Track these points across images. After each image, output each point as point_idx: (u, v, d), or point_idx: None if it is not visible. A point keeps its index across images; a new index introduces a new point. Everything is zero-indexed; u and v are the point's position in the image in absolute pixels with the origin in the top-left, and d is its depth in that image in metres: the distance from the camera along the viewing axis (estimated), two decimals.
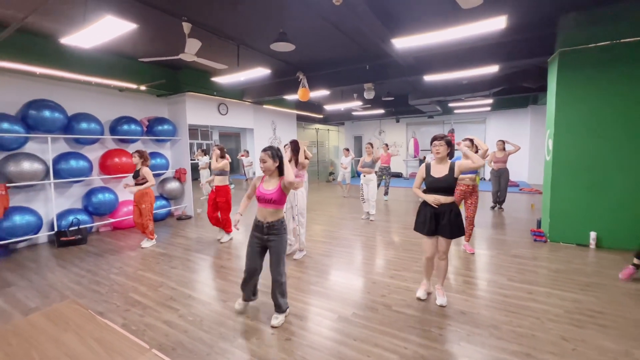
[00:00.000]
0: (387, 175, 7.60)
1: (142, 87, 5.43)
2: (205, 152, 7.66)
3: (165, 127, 5.97)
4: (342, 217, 6.04)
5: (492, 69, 4.82)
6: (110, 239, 4.83)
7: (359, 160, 7.71)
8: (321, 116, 11.19)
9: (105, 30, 2.76)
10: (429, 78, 5.19)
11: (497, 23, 2.95)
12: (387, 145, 8.00)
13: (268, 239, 2.30)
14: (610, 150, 3.82)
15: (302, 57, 5.23)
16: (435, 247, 2.59)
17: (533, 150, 10.15)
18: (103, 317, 2.35)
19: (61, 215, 4.69)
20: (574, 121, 3.99)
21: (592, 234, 3.96)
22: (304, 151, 3.51)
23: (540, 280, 3.07)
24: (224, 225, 4.59)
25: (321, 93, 6.32)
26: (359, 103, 8.25)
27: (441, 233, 2.53)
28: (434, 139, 2.52)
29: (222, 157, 4.53)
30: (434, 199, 2.48)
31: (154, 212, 5.58)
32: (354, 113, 10.57)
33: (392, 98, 7.88)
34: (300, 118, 10.50)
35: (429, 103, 7.97)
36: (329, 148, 13.60)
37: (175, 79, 5.99)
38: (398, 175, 12.87)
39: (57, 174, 4.62)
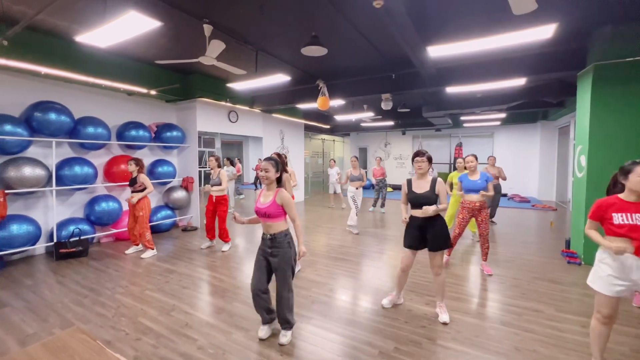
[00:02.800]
0: (383, 188, 7.75)
1: (153, 92, 5.22)
2: (231, 161, 7.46)
3: (174, 133, 5.77)
4: (334, 227, 5.80)
5: (518, 82, 4.67)
6: (112, 251, 4.53)
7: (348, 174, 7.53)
8: (328, 126, 11.02)
9: (127, 28, 2.54)
10: (451, 90, 5.02)
11: (544, 32, 2.77)
12: (380, 158, 8.12)
13: (272, 253, 2.22)
14: None
15: (322, 65, 5.06)
16: (411, 260, 2.67)
17: (543, 167, 10.01)
18: (111, 348, 2.04)
19: (61, 225, 4.38)
20: (610, 136, 3.80)
21: None
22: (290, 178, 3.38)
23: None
24: (222, 235, 4.55)
25: (338, 102, 6.16)
26: (370, 114, 8.10)
27: (429, 246, 2.56)
28: (417, 154, 2.57)
29: (219, 166, 4.48)
30: (421, 210, 2.49)
31: (156, 222, 5.36)
32: (363, 124, 10.42)
33: (408, 109, 7.72)
34: (307, 128, 10.33)
35: (443, 116, 7.83)
36: (335, 158, 13.42)
37: (186, 84, 5.80)
38: (400, 188, 12.64)
39: (59, 181, 4.33)
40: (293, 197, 3.94)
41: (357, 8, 3.02)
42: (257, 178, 9.48)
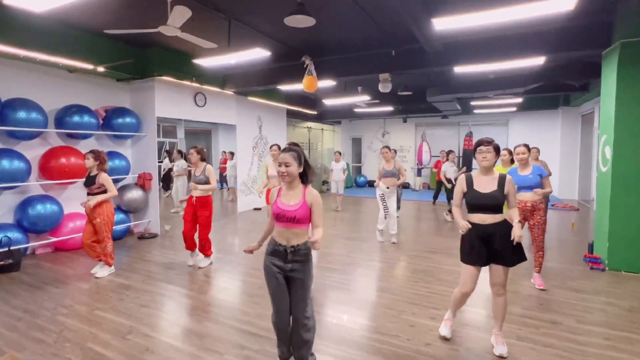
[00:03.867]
0: (399, 186, 7.57)
1: (101, 69, 5.10)
2: (182, 154, 7.35)
3: (127, 119, 5.68)
4: (346, 236, 5.91)
5: (537, 61, 4.82)
6: (51, 264, 4.43)
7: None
8: (316, 112, 11.06)
9: None
10: (460, 69, 5.14)
11: (565, 2, 2.89)
12: (395, 151, 7.97)
13: (292, 268, 2.09)
14: None
15: (309, 38, 5.08)
16: (476, 281, 2.49)
17: (564, 160, 10.38)
18: None
19: None
20: (639, 125, 3.99)
21: None
22: None
23: (614, 321, 2.96)
24: (203, 247, 4.39)
25: (328, 83, 6.19)
26: (365, 98, 8.17)
27: (496, 260, 2.41)
28: (480, 143, 2.46)
29: (203, 159, 4.34)
30: (463, 224, 2.42)
31: None
32: (357, 110, 10.50)
33: (410, 93, 7.84)
34: (290, 114, 10.33)
35: (450, 100, 7.99)
36: (323, 151, 13.48)
37: (142, 60, 5.69)
38: (405, 187, 12.84)
39: None
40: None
41: None
42: (223, 176, 9.33)
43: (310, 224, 2.13)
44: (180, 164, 7.26)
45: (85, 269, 4.25)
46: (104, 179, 3.92)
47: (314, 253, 3.38)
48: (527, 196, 3.55)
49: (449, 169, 7.16)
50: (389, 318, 3.02)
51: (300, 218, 2.05)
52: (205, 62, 5.01)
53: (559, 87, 7.26)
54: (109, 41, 5.18)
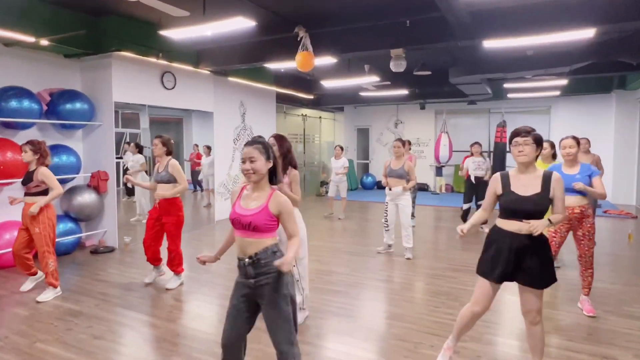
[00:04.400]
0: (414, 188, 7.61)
1: (44, 42, 5.09)
2: (139, 147, 7.34)
3: (78, 105, 5.70)
4: (344, 248, 5.96)
5: (584, 33, 4.84)
6: None
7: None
8: (312, 97, 11.07)
9: None
10: (491, 44, 5.16)
11: None
12: (409, 142, 8.07)
13: (257, 284, 2.06)
14: None
15: (303, 5, 5.10)
16: (492, 298, 2.53)
17: (619, 156, 10.45)
18: None
19: None
20: None
21: None
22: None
23: None
24: (172, 261, 4.39)
25: (327, 60, 6.21)
26: (374, 79, 8.19)
27: (525, 281, 2.43)
28: (517, 133, 2.45)
29: (169, 153, 4.39)
30: (527, 225, 2.34)
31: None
32: (363, 94, 10.52)
33: (429, 72, 7.89)
34: (281, 98, 10.36)
35: (479, 82, 8.02)
36: (321, 145, 13.51)
37: (96, 31, 5.71)
38: (422, 189, 12.86)
39: None
40: None
41: None
42: (195, 174, 9.33)
43: (274, 232, 2.13)
44: (135, 159, 7.22)
45: (21, 289, 4.25)
46: (44, 174, 3.92)
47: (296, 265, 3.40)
48: (574, 200, 3.54)
49: (471, 165, 7.17)
50: (403, 352, 3.02)
51: (257, 225, 2.04)
52: (174, 34, 5.03)
53: (613, 66, 7.27)
54: (56, 8, 5.18)
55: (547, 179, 2.40)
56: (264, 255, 2.05)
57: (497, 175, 2.54)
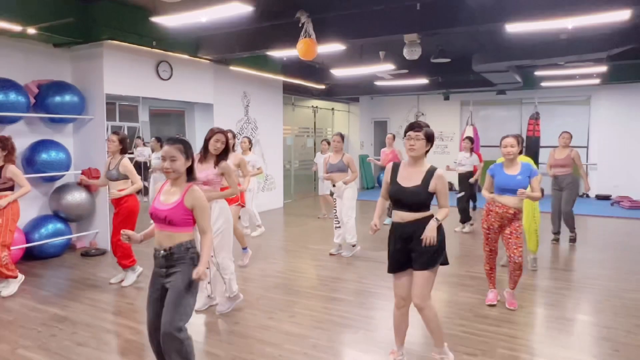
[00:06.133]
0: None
1: (31, 30, 5.22)
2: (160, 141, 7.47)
3: (67, 98, 5.79)
4: (357, 256, 5.98)
5: (620, 14, 4.76)
6: None
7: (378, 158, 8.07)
8: (323, 87, 11.08)
9: None
10: (516, 28, 5.12)
11: None
12: (393, 135, 8.35)
13: (168, 273, 2.37)
14: None
15: None
16: (407, 290, 2.79)
17: None
18: None
19: None
20: None
21: None
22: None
23: None
24: (115, 253, 4.67)
25: (333, 47, 6.20)
26: (389, 67, 8.16)
27: (413, 264, 2.73)
28: (411, 127, 2.76)
29: (124, 151, 4.62)
30: (411, 218, 2.73)
31: (39, 242, 5.48)
32: (378, 83, 10.50)
33: (449, 60, 7.84)
34: (289, 88, 10.40)
35: (506, 70, 7.93)
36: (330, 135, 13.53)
37: (87, 19, 5.82)
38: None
39: None
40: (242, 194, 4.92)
41: None
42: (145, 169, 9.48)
43: (191, 228, 2.42)
44: (145, 153, 7.39)
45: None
46: (12, 171, 4.16)
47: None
48: (512, 201, 3.79)
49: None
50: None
51: (172, 220, 2.32)
52: (169, 21, 5.11)
53: None
54: None
55: (429, 174, 2.71)
56: (177, 250, 2.35)
57: (390, 165, 2.89)
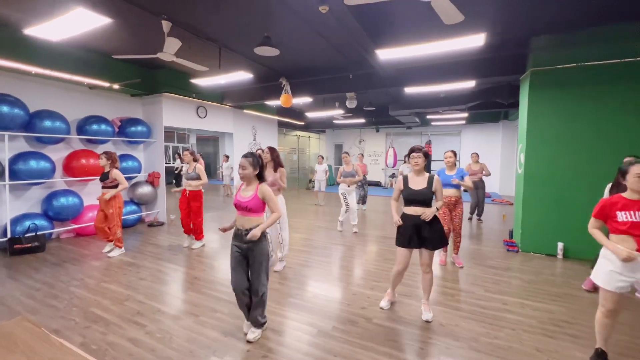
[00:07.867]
0: (365, 185, 7.73)
1: (115, 86, 5.16)
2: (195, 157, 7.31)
3: (139, 128, 5.73)
4: (320, 225, 6.00)
5: (469, 84, 5.00)
6: (72, 247, 4.49)
7: (338, 169, 8.00)
8: (302, 123, 11.15)
9: (76, 23, 2.57)
10: (409, 90, 5.30)
11: (476, 40, 3.05)
12: (362, 155, 8.18)
13: (248, 247, 2.22)
14: (575, 165, 4.05)
15: (286, 63, 5.19)
16: (409, 259, 2.60)
17: (504, 163, 10.65)
18: (59, 336, 2.12)
19: (16, 221, 4.30)
20: (544, 137, 4.20)
21: (560, 245, 4.15)
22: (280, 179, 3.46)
23: (514, 291, 3.15)
24: (195, 232, 4.49)
25: (304, 100, 6.31)
26: (340, 111, 8.31)
27: (425, 245, 2.53)
28: (412, 150, 2.57)
29: (195, 160, 4.45)
30: (422, 212, 2.50)
31: (122, 217, 5.29)
32: (336, 121, 10.64)
33: (374, 108, 8.00)
34: (281, 124, 10.41)
35: (408, 114, 8.16)
36: (310, 155, 13.59)
37: (151, 79, 5.77)
38: (377, 184, 13.04)
39: (14, 175, 4.24)
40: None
41: (310, 12, 3.18)
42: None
43: (262, 213, 2.27)
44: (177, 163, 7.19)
45: (101, 250, 4.33)
46: (116, 174, 4.00)
47: (276, 237, 3.52)
48: (452, 192, 3.70)
49: (405, 169, 7.21)
50: (366, 293, 3.08)
51: (251, 208, 2.20)
52: (200, 82, 5.11)
53: (494, 104, 7.44)
54: (123, 63, 5.25)
55: (431, 179, 2.54)
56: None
57: (401, 177, 2.66)
